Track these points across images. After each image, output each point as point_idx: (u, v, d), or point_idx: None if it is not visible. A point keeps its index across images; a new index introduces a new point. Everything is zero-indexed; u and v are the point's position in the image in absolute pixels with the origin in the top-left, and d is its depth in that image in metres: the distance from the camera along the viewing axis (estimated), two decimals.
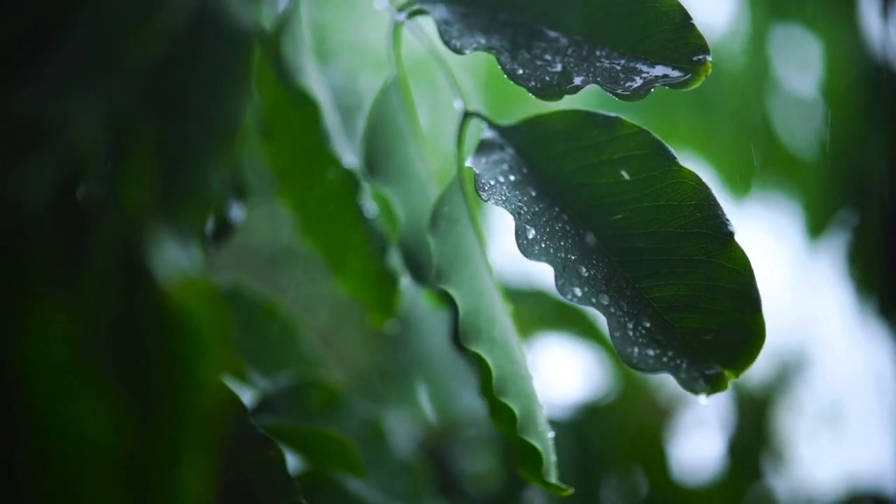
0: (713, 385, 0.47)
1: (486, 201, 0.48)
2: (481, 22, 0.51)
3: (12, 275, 0.31)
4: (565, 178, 0.49)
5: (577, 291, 0.47)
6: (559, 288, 0.47)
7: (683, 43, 0.47)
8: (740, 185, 1.21)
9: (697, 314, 0.47)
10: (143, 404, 0.32)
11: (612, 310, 0.47)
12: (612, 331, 0.47)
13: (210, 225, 0.58)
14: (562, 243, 0.48)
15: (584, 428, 0.99)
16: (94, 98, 0.33)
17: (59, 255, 0.32)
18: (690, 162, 0.47)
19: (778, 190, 1.22)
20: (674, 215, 0.47)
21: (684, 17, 0.47)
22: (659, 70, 0.47)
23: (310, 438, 0.58)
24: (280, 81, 0.56)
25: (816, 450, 1.16)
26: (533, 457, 0.48)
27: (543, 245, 0.48)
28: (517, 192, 0.49)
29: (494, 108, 1.08)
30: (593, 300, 0.47)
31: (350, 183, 0.59)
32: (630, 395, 1.05)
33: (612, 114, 0.48)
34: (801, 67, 1.21)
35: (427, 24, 0.55)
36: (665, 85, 0.47)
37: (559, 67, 0.49)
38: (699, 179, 0.47)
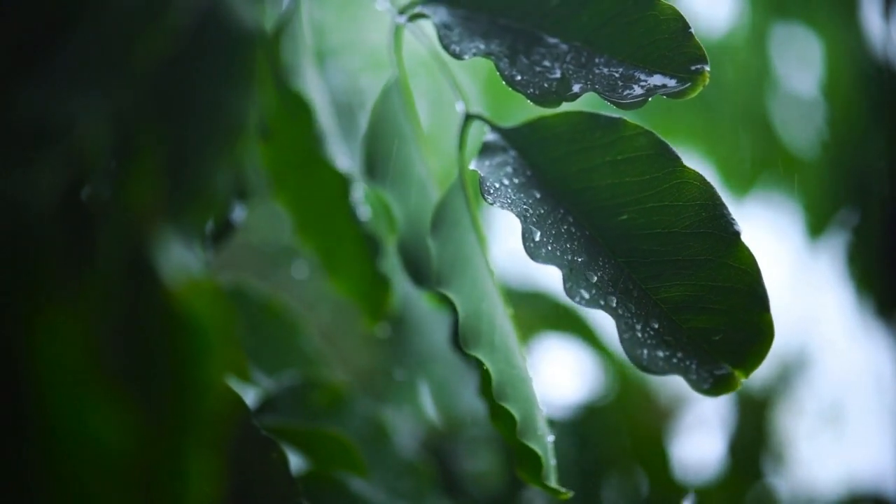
0: (723, 385, 0.47)
1: (491, 204, 0.48)
2: (481, 26, 0.51)
3: (18, 275, 0.31)
4: (569, 180, 0.49)
5: (585, 294, 0.47)
6: (567, 291, 0.47)
7: (682, 52, 0.47)
8: (740, 184, 1.21)
9: (705, 315, 0.47)
10: (149, 405, 0.32)
11: (619, 311, 0.47)
12: (621, 333, 0.47)
13: (210, 225, 0.58)
14: (568, 245, 0.48)
15: (585, 428, 0.99)
16: (99, 99, 0.33)
17: (65, 255, 0.32)
18: (691, 161, 0.47)
19: (778, 190, 1.22)
20: (679, 216, 0.47)
21: (683, 27, 0.47)
22: (657, 79, 0.47)
23: (313, 438, 0.58)
24: (276, 84, 0.56)
25: (817, 450, 1.16)
26: (532, 460, 0.48)
27: (550, 248, 0.47)
28: (522, 195, 0.49)
29: (496, 110, 1.08)
30: (601, 302, 0.47)
31: (343, 186, 0.59)
32: (630, 395, 1.05)
33: (615, 115, 0.48)
34: (801, 66, 1.20)
35: (428, 26, 0.55)
36: (663, 94, 0.47)
37: (558, 74, 0.49)
38: (704, 180, 0.47)
